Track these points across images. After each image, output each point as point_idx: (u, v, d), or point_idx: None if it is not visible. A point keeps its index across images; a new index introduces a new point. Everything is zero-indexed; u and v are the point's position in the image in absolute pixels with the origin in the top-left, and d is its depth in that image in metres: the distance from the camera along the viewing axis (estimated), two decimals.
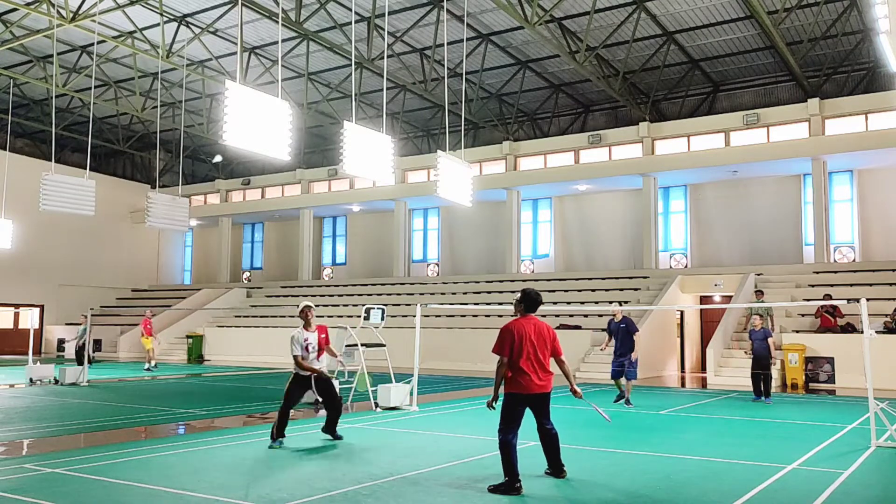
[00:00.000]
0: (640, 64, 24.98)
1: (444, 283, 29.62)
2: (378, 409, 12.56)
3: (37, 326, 32.42)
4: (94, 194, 17.53)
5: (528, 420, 7.06)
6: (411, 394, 12.96)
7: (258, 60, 25.45)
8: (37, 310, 31.63)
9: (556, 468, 7.24)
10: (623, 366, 13.51)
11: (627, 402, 13.44)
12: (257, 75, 25.57)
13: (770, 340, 14.53)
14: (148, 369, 21.96)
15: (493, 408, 7.02)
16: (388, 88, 26.61)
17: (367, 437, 9.85)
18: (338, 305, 29.06)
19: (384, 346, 13.53)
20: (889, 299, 19.46)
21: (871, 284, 20.93)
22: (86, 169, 19.88)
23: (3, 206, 24.18)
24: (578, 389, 7.30)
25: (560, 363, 7.21)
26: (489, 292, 27.14)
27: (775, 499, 6.51)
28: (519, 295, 7.36)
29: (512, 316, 7.38)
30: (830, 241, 24.01)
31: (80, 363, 19.06)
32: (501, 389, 6.98)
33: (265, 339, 27.33)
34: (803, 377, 17.77)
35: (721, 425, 11.50)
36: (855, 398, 14.90)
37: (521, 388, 6.91)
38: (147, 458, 8.15)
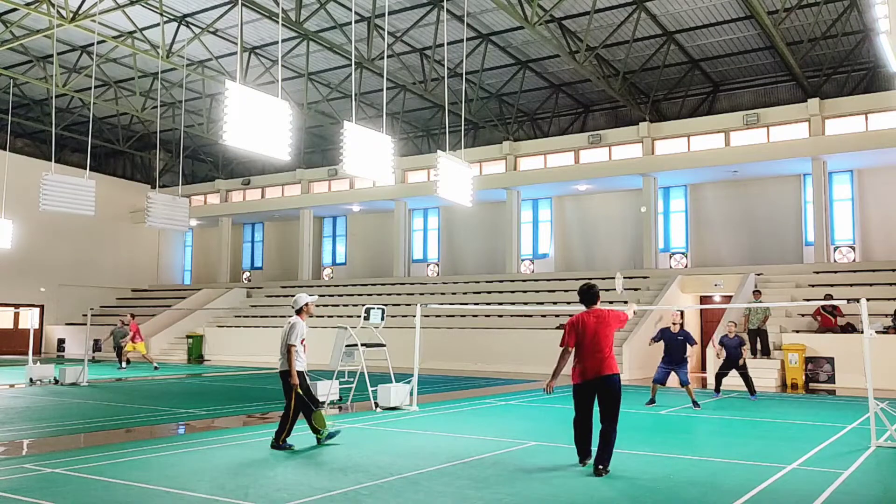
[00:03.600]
0: (640, 64, 24.97)
1: (444, 283, 29.62)
2: (378, 409, 12.56)
3: (37, 326, 32.42)
4: (94, 194, 17.52)
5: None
6: (411, 394, 12.97)
7: (258, 60, 25.44)
8: (37, 310, 31.62)
9: (596, 464, 7.36)
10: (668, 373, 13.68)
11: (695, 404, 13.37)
12: (257, 75, 25.57)
13: (743, 349, 15.17)
14: (156, 368, 22.19)
15: (549, 392, 7.74)
16: (388, 88, 26.61)
17: (367, 437, 9.85)
18: (338, 305, 29.08)
19: (384, 346, 13.54)
20: (889, 299, 19.46)
21: (871, 284, 20.93)
22: (86, 169, 19.87)
23: (3, 206, 24.18)
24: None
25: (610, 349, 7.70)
26: (489, 292, 27.14)
27: (775, 499, 6.51)
28: None
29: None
30: (831, 241, 24.01)
31: (120, 360, 22.54)
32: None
33: (265, 339, 27.29)
34: (803, 377, 17.77)
35: (721, 425, 11.51)
36: (855, 398, 14.90)
37: (583, 377, 7.49)
38: (147, 458, 8.14)
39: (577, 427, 7.64)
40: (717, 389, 15.43)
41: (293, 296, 9.48)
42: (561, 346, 7.63)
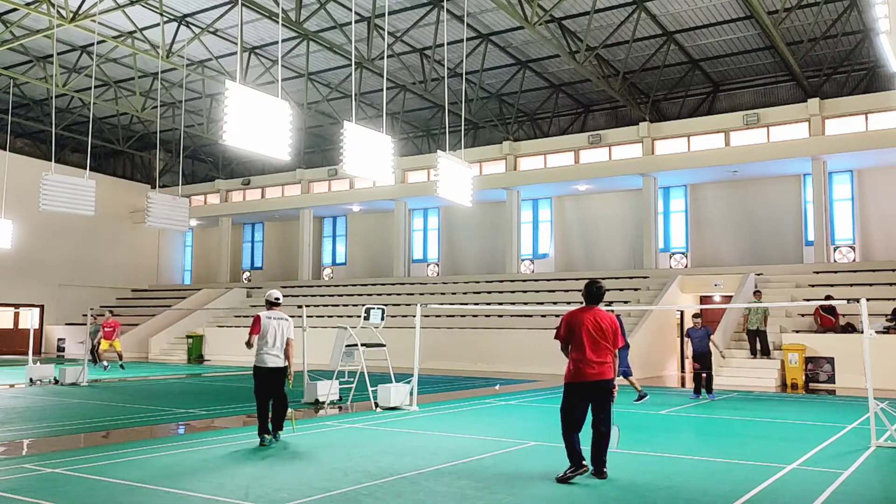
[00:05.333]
0: (640, 64, 24.97)
1: (444, 283, 29.61)
2: (378, 409, 12.56)
3: (37, 326, 32.42)
4: (94, 194, 17.53)
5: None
6: (411, 394, 12.96)
7: (258, 60, 25.44)
8: (37, 310, 31.63)
9: (596, 467, 7.22)
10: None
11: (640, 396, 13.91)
12: (257, 75, 25.57)
13: (711, 337, 14.97)
14: (122, 367, 21.43)
15: None
16: (388, 88, 26.61)
17: (367, 437, 9.85)
18: (338, 305, 29.07)
19: (384, 346, 13.54)
20: (889, 299, 19.46)
21: (871, 284, 20.93)
22: (86, 169, 19.88)
23: (3, 206, 24.18)
24: (616, 386, 7.37)
25: (612, 357, 7.32)
26: (489, 292, 27.13)
27: (775, 499, 6.51)
28: None
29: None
30: (831, 241, 24.01)
31: (95, 361, 21.15)
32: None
33: None
34: (803, 377, 17.77)
35: (721, 425, 11.50)
36: (855, 398, 14.90)
37: (576, 378, 7.14)
38: (147, 458, 8.14)
39: (570, 438, 7.06)
40: (697, 391, 14.89)
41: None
42: (556, 338, 7.39)
